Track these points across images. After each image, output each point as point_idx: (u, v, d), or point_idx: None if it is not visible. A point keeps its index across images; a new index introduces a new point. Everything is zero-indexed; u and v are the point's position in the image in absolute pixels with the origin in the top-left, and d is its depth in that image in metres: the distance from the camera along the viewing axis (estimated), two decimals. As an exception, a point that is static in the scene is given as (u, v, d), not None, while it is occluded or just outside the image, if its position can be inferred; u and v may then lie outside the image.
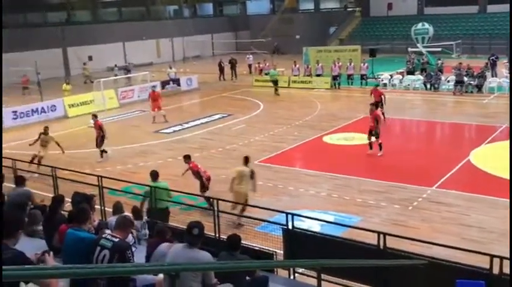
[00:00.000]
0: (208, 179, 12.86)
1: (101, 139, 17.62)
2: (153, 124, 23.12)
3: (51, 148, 16.87)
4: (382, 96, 21.67)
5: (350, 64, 31.11)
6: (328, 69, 31.71)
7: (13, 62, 34.11)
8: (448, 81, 28.49)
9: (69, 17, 51.42)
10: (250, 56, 40.43)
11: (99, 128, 17.72)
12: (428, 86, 28.95)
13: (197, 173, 12.78)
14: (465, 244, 8.94)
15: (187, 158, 13.10)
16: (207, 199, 12.17)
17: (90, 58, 44.18)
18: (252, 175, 12.31)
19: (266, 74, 33.57)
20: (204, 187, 12.69)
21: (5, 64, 34.26)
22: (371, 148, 17.11)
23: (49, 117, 25.19)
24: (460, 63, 28.29)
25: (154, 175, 11.31)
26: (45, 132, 17.03)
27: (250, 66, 39.38)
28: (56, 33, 42.00)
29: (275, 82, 30.56)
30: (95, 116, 18.33)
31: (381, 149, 16.93)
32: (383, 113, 19.07)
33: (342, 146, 18.61)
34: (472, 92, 27.19)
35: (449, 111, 24.67)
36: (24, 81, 33.77)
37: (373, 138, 17.05)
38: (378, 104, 20.12)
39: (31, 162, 16.10)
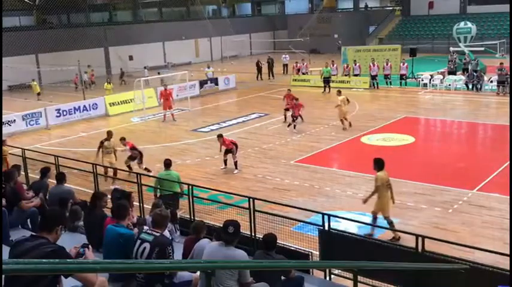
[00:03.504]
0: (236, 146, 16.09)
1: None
2: (187, 123, 23.39)
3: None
4: (294, 100, 21.87)
5: (387, 64, 30.64)
6: (366, 68, 31.33)
7: (58, 61, 35.16)
8: (491, 82, 27.75)
9: (111, 17, 52.52)
10: (287, 56, 40.28)
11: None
12: (470, 86, 28.26)
13: (229, 145, 15.93)
14: (507, 249, 8.66)
15: (220, 136, 16.06)
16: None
17: (130, 58, 45.06)
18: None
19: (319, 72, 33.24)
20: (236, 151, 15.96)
21: (51, 64, 35.45)
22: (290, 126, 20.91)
23: (91, 116, 25.86)
24: (502, 63, 27.49)
25: (168, 164, 12.34)
26: (108, 138, 15.50)
27: (285, 66, 39.24)
28: (98, 33, 42.99)
29: (327, 80, 30.28)
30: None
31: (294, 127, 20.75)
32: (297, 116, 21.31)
33: (381, 147, 18.34)
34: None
35: (492, 113, 24.00)
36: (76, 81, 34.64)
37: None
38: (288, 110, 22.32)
39: (106, 175, 14.87)
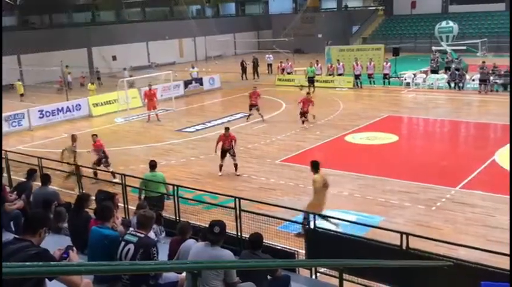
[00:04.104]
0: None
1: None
2: (172, 123, 23.31)
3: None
4: (258, 96, 23.05)
5: (370, 64, 30.83)
6: (350, 68, 31.52)
7: (41, 62, 34.78)
8: (473, 80, 28.08)
9: (94, 17, 52.06)
10: (271, 55, 40.29)
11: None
12: (453, 85, 28.57)
13: (232, 139, 15.76)
14: (490, 246, 8.78)
15: (227, 129, 15.88)
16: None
17: (114, 58, 44.70)
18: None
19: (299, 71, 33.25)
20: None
21: (34, 64, 35.03)
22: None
23: (74, 117, 25.60)
24: (484, 61, 27.84)
25: (153, 165, 12.02)
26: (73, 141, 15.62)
27: (270, 66, 39.29)
28: (81, 34, 42.58)
29: (312, 80, 30.35)
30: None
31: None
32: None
33: (365, 145, 18.47)
34: (497, 90, 26.76)
35: (474, 111, 24.30)
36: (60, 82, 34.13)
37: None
38: (254, 106, 22.76)
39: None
